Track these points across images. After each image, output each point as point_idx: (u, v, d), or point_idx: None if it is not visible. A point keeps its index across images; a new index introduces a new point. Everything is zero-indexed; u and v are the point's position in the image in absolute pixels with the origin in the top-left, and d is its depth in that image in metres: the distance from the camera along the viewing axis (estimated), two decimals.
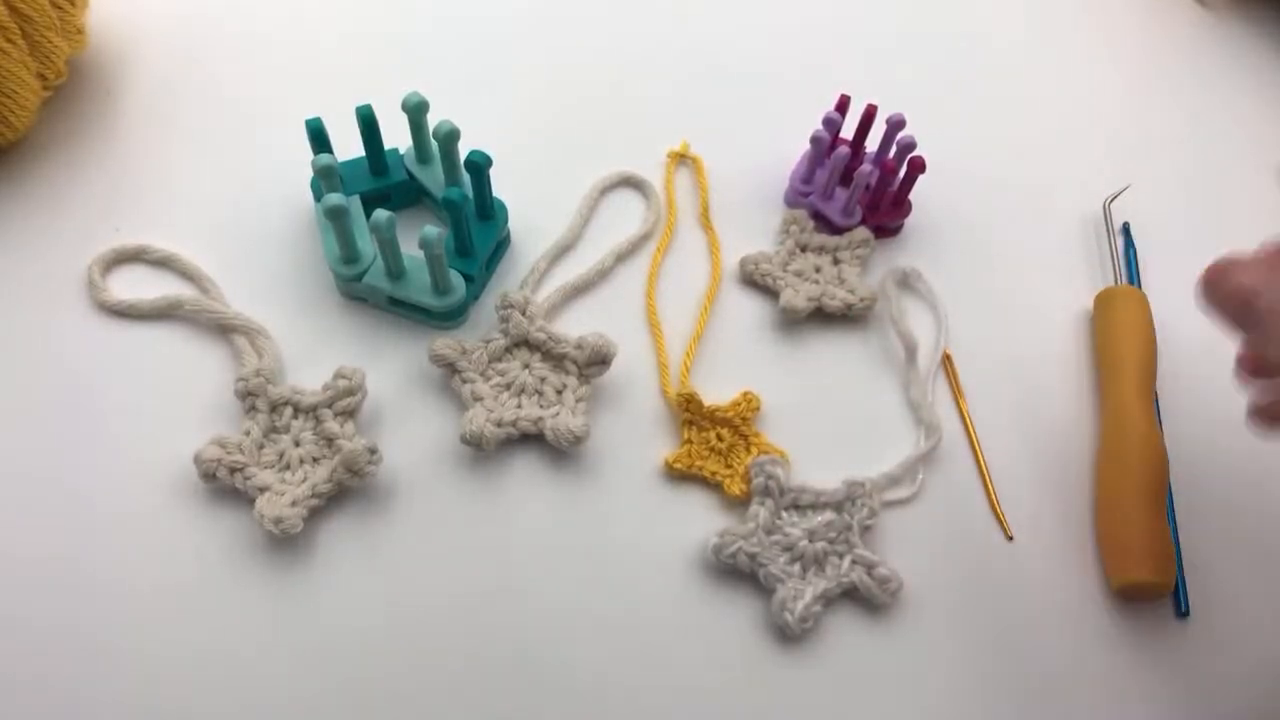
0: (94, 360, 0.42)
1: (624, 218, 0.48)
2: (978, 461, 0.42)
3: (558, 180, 0.48)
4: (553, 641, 0.37)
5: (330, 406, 0.40)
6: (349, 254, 0.42)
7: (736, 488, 0.40)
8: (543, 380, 0.41)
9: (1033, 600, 0.39)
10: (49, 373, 0.41)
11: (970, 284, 0.47)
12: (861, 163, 0.46)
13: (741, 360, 0.44)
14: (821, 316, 0.45)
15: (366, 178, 0.45)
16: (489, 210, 0.44)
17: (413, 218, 0.47)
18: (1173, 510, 0.41)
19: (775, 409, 0.43)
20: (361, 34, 0.54)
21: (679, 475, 0.41)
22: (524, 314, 0.42)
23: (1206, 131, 0.54)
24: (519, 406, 0.41)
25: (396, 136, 0.45)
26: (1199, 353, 0.45)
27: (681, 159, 0.50)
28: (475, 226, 0.44)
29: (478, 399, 0.40)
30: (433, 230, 0.39)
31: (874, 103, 0.46)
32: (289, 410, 0.40)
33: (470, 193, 0.43)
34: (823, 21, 0.57)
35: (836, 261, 0.46)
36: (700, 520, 0.40)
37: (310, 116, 0.42)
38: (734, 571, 0.38)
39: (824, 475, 0.41)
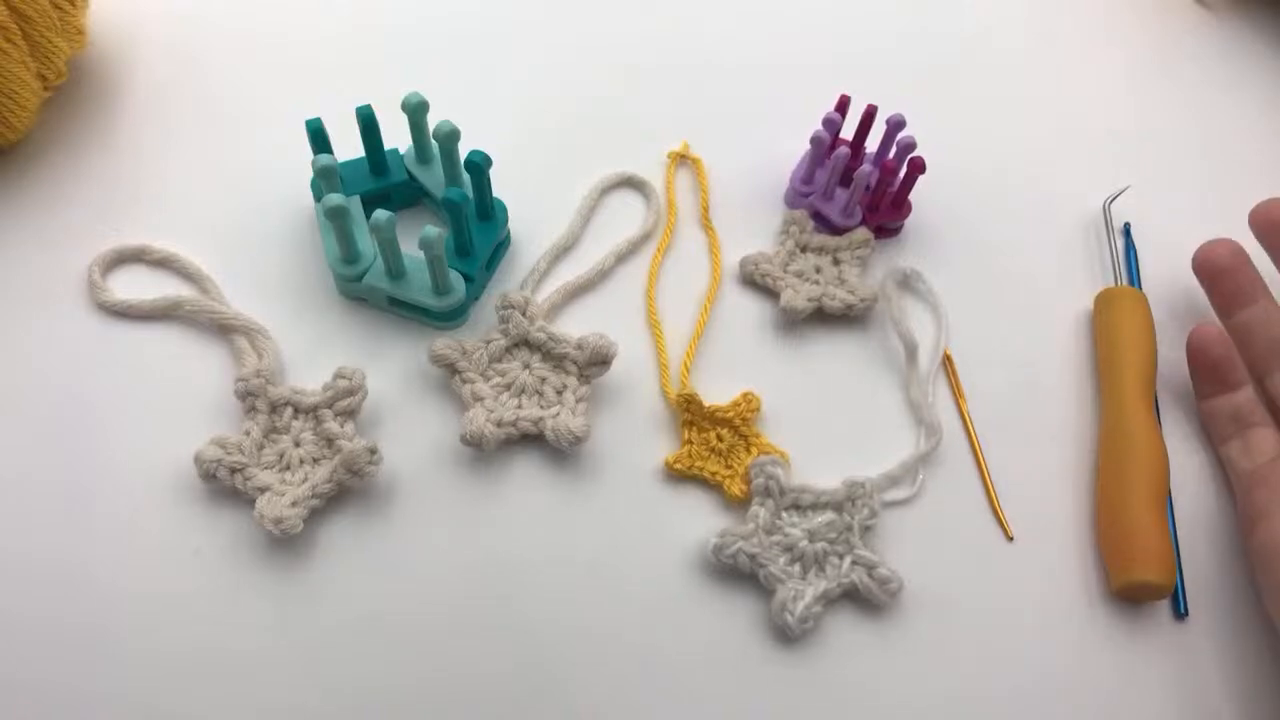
0: (94, 360, 0.42)
1: (624, 218, 0.48)
2: (978, 461, 0.42)
3: (558, 180, 0.48)
4: (552, 641, 0.37)
5: (330, 406, 0.40)
6: (349, 254, 0.42)
7: (737, 488, 0.40)
8: (543, 380, 0.41)
9: (1033, 600, 0.39)
10: (49, 373, 0.41)
11: (970, 284, 0.47)
12: (861, 163, 0.46)
13: (741, 360, 0.44)
14: (821, 316, 0.45)
15: (366, 178, 0.45)
16: (489, 210, 0.44)
17: (413, 218, 0.47)
18: (1172, 510, 0.41)
19: (775, 409, 0.43)
20: (361, 34, 0.54)
21: (679, 476, 0.41)
22: (524, 314, 0.42)
23: (1207, 131, 0.54)
24: (519, 407, 0.41)
25: (396, 136, 0.45)
26: None
27: (682, 159, 0.50)
28: (475, 226, 0.44)
29: (478, 399, 0.40)
30: (433, 230, 0.39)
31: (874, 103, 0.46)
32: (289, 410, 0.40)
33: (470, 193, 0.43)
34: (823, 21, 0.57)
35: (836, 262, 0.46)
36: (700, 521, 0.40)
37: (310, 116, 0.42)
38: (734, 572, 0.38)
39: (824, 475, 0.41)
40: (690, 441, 0.41)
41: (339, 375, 0.40)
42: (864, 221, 0.47)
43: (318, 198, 0.44)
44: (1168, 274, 0.48)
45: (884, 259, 0.47)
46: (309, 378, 0.41)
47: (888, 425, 0.43)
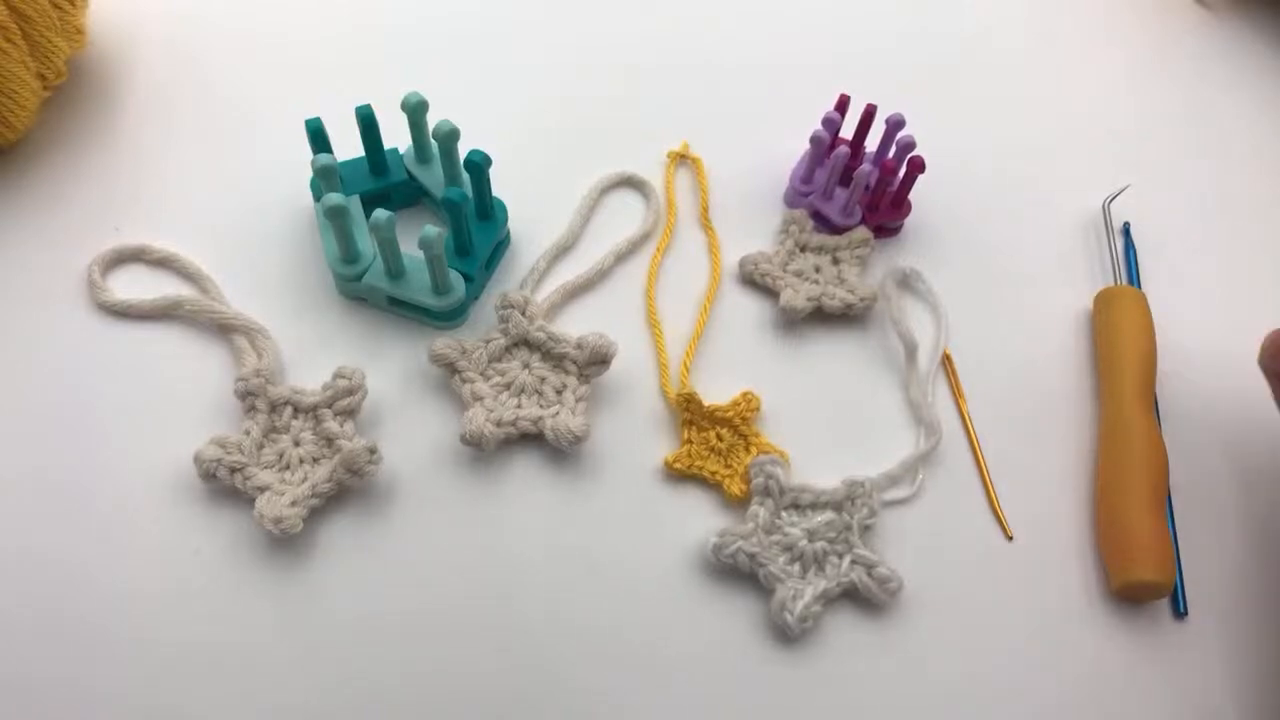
0: (94, 360, 0.42)
1: (624, 218, 0.48)
2: (978, 461, 0.42)
3: (558, 180, 0.48)
4: (552, 641, 0.37)
5: (330, 406, 0.40)
6: (349, 254, 0.42)
7: (736, 488, 0.40)
8: (543, 380, 0.42)
9: (1032, 600, 0.39)
10: (49, 373, 0.41)
11: (970, 284, 0.47)
12: (861, 163, 0.46)
13: (741, 360, 0.44)
14: (821, 316, 0.45)
15: (366, 178, 0.45)
16: (489, 210, 0.44)
17: (412, 218, 0.47)
18: (1172, 510, 0.41)
19: (775, 409, 0.43)
20: (361, 34, 0.54)
21: (679, 475, 0.41)
22: (524, 314, 0.42)
23: (1207, 131, 0.54)
24: (519, 406, 0.41)
25: (396, 136, 0.45)
26: (1199, 353, 0.46)
27: (681, 159, 0.50)
28: (475, 226, 0.44)
29: (478, 399, 0.41)
30: (432, 230, 0.39)
31: (874, 103, 0.46)
32: (289, 410, 0.40)
33: (470, 192, 0.43)
34: (823, 21, 0.57)
35: (836, 261, 0.46)
36: (700, 520, 0.40)
37: (310, 116, 0.42)
38: (734, 571, 0.38)
39: (824, 475, 0.41)
40: (690, 441, 0.41)
41: (339, 375, 0.40)
42: (863, 221, 0.47)
43: (317, 198, 0.44)
44: (1167, 273, 0.48)
45: (884, 259, 0.47)
46: (309, 377, 0.41)
47: (887, 425, 0.43)
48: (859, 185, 0.45)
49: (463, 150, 0.42)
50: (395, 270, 0.42)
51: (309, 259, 0.45)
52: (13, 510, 0.38)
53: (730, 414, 0.41)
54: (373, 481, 0.39)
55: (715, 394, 0.42)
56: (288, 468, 0.39)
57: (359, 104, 0.42)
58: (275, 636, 0.37)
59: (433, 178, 0.45)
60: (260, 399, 0.40)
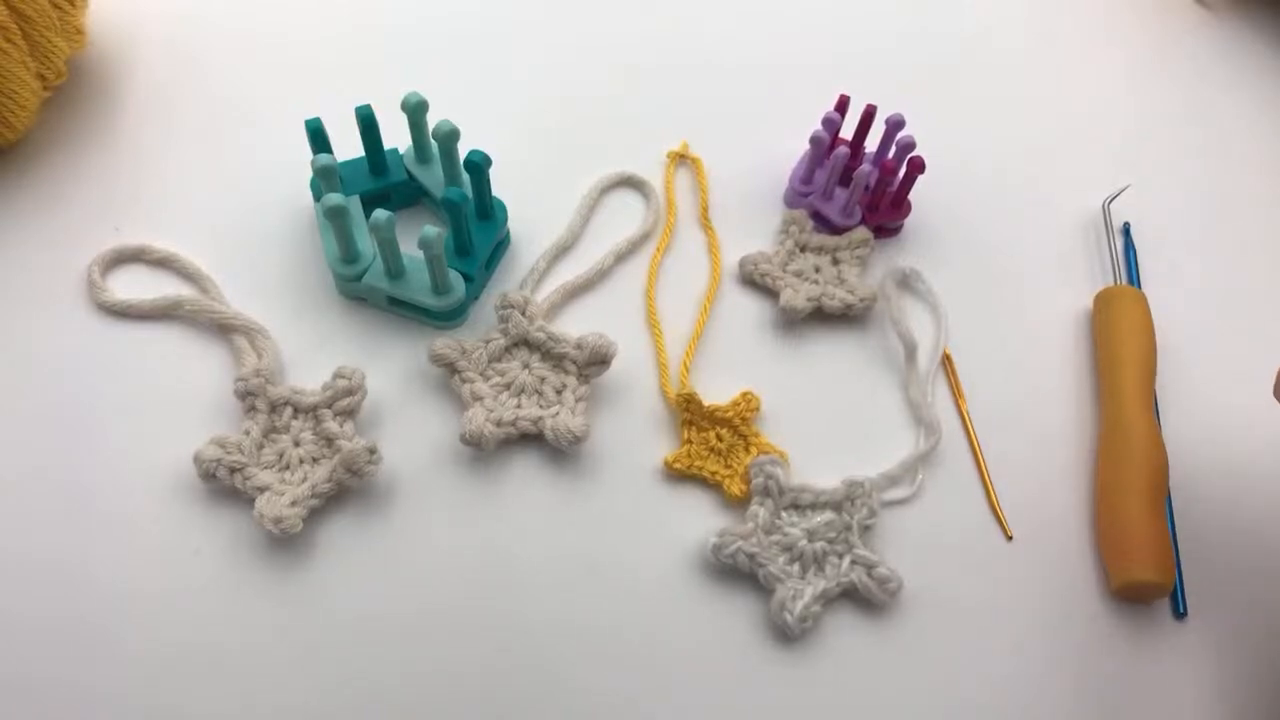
0: (94, 360, 0.42)
1: (624, 218, 0.48)
2: (977, 461, 0.42)
3: (558, 180, 0.48)
4: (552, 641, 0.37)
5: (330, 406, 0.40)
6: (349, 254, 0.42)
7: (736, 488, 0.40)
8: (542, 380, 0.42)
9: (1032, 600, 0.39)
10: (49, 373, 0.41)
11: (970, 284, 0.47)
12: (861, 163, 0.46)
13: (741, 360, 0.44)
14: (821, 316, 0.45)
15: (366, 178, 0.45)
16: (489, 210, 0.44)
17: (412, 218, 0.47)
18: (1172, 510, 0.41)
19: (775, 409, 0.43)
20: (361, 34, 0.54)
21: (678, 475, 0.41)
22: (524, 314, 0.42)
23: (1207, 131, 0.54)
24: (519, 406, 0.41)
25: (396, 136, 0.45)
26: (1199, 353, 0.46)
27: (681, 159, 0.50)
28: (475, 226, 0.44)
29: (477, 399, 0.41)
30: (432, 230, 0.39)
31: (874, 103, 0.46)
32: (289, 410, 0.40)
33: (470, 193, 0.43)
34: (823, 21, 0.57)
35: (836, 261, 0.46)
36: (700, 520, 0.40)
37: (310, 116, 0.42)
38: (733, 571, 0.38)
39: (824, 475, 0.41)
40: (690, 441, 0.41)
41: (338, 375, 0.40)
42: (863, 221, 0.47)
43: (317, 198, 0.44)
44: (1167, 273, 0.48)
45: (883, 259, 0.47)
46: (309, 377, 0.41)
47: (887, 425, 0.43)
48: (859, 185, 0.45)
49: (463, 150, 0.42)
50: (395, 270, 0.42)
51: (309, 259, 0.45)
52: (13, 510, 0.38)
53: (730, 414, 0.41)
54: (373, 481, 0.39)
55: (715, 394, 0.42)
56: (288, 468, 0.39)
57: (359, 104, 0.42)
58: (275, 636, 0.37)
59: (433, 178, 0.45)
60: (260, 399, 0.40)
